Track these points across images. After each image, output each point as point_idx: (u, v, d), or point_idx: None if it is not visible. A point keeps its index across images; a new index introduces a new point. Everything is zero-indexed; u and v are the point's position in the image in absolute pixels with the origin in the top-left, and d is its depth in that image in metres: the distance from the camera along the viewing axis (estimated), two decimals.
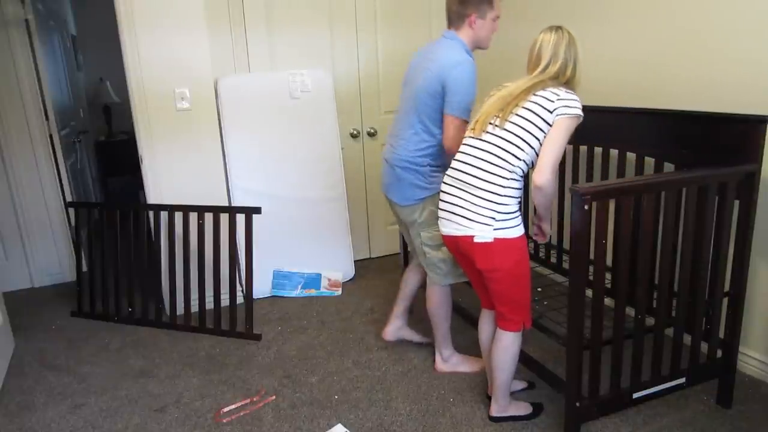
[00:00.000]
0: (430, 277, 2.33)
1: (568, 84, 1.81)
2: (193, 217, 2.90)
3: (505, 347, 1.95)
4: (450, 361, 2.45)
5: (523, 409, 2.12)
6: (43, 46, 3.52)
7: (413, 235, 2.31)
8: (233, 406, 2.27)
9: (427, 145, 2.16)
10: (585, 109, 2.55)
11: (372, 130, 3.67)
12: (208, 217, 2.88)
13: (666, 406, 2.13)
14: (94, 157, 5.25)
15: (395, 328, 2.63)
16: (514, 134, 1.76)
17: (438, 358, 2.46)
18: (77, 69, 4.98)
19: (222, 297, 2.94)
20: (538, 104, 1.74)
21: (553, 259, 2.97)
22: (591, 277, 1.83)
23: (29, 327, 3.06)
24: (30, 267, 3.62)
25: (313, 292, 3.36)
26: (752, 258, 2.15)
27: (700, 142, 2.01)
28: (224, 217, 2.85)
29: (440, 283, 2.30)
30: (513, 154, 1.76)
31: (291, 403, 2.27)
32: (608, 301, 2.08)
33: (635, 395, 1.94)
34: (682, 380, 2.00)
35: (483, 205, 1.78)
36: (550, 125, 1.74)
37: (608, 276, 2.43)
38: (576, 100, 1.76)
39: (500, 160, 1.77)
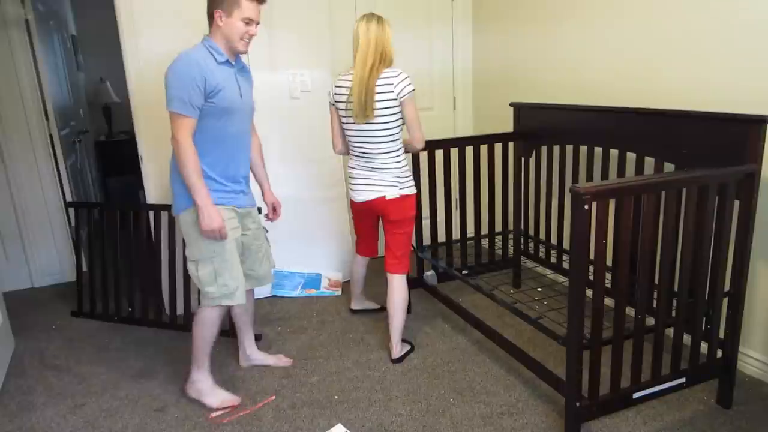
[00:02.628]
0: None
1: (390, 63, 2.34)
2: None
3: (400, 287, 2.50)
4: (194, 387, 2.28)
5: (407, 346, 2.65)
6: (43, 46, 3.52)
7: None
8: None
9: None
10: (585, 108, 2.59)
11: None
12: None
13: (666, 406, 2.13)
14: (94, 157, 5.25)
15: (244, 356, 2.55)
16: (385, 121, 2.33)
17: (189, 377, 2.31)
18: (77, 69, 4.98)
19: None
20: (386, 100, 2.29)
21: (553, 259, 2.97)
22: (591, 277, 1.83)
23: (29, 327, 3.07)
24: (30, 267, 3.63)
25: (313, 292, 3.36)
26: (752, 258, 2.15)
27: (700, 142, 2.01)
28: None
29: (202, 303, 2.19)
30: (393, 134, 2.37)
31: (291, 403, 2.27)
32: (608, 301, 2.08)
33: (635, 395, 1.94)
34: (682, 380, 2.00)
35: (389, 178, 2.42)
36: (399, 103, 2.31)
37: (608, 276, 2.44)
38: (407, 77, 2.31)
39: (387, 141, 2.37)
